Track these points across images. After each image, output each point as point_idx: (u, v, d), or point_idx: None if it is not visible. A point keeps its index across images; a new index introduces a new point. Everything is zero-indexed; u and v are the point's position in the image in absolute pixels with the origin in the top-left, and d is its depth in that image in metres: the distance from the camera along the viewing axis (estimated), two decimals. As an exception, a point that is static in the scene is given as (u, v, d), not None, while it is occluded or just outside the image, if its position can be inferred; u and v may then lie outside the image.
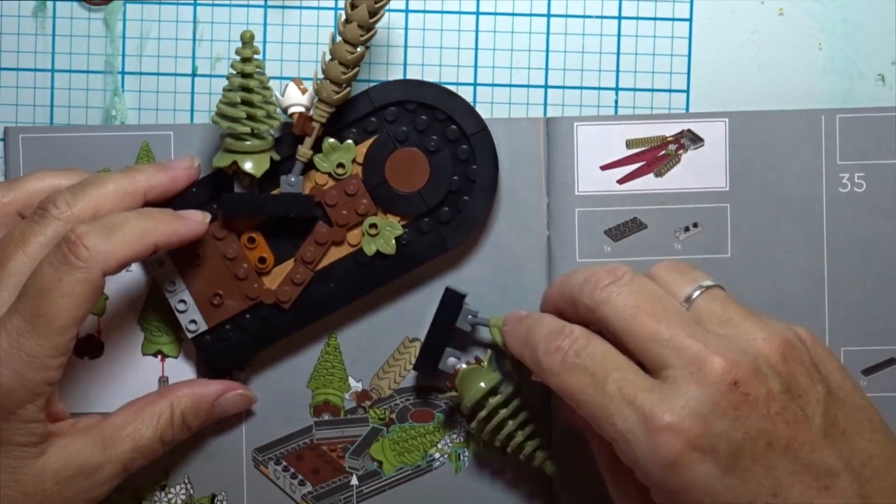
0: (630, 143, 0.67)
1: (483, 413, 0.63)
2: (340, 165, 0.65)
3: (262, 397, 0.67)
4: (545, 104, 0.68)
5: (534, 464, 0.64)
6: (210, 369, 0.67)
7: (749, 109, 0.67)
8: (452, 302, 0.65)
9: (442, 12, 0.68)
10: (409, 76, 0.68)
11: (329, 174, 0.65)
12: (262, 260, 0.65)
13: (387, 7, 0.63)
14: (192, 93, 0.69)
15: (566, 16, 0.68)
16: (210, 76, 0.69)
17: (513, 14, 0.68)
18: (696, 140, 0.67)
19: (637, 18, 0.68)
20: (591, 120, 0.67)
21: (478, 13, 0.68)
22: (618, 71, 0.68)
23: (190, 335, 0.66)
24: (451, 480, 0.68)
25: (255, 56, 0.62)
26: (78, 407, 0.66)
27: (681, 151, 0.67)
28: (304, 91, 0.64)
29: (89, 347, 0.67)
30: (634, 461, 0.54)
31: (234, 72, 0.62)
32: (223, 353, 0.66)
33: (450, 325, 0.65)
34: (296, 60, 0.68)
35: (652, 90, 0.68)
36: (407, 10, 0.68)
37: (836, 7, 0.68)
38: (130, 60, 0.69)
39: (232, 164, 0.63)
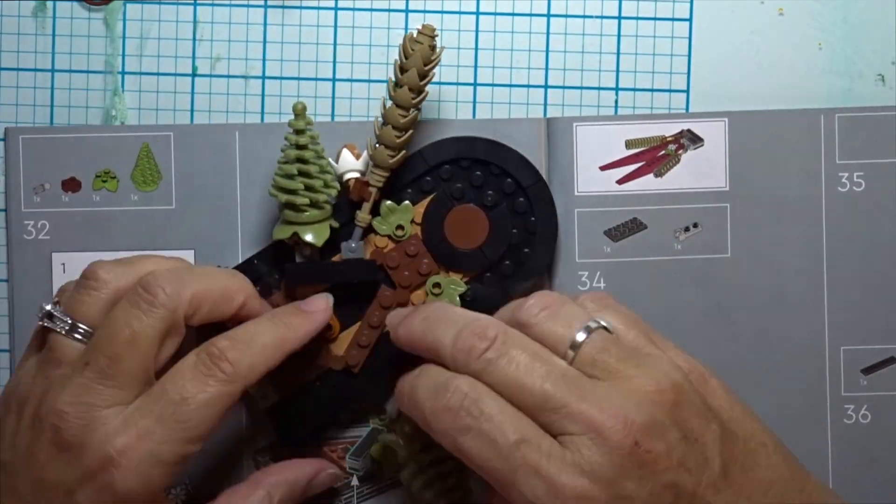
0: (630, 144, 0.67)
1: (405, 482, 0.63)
2: (399, 227, 0.65)
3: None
4: (545, 104, 0.68)
5: None
6: (285, 440, 0.67)
7: (749, 109, 0.67)
8: None
9: (442, 12, 0.68)
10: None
11: (388, 236, 0.65)
12: (329, 327, 0.64)
13: (439, 59, 0.63)
14: (192, 93, 0.69)
15: (566, 16, 0.68)
16: (210, 76, 0.69)
17: (513, 14, 0.68)
18: (695, 140, 0.67)
19: (637, 18, 0.68)
20: (590, 120, 0.67)
21: (478, 13, 0.68)
22: (618, 71, 0.68)
23: (262, 406, 0.66)
24: (451, 481, 0.68)
25: (308, 126, 0.62)
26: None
27: (680, 151, 0.67)
28: (357, 156, 0.64)
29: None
30: None
31: (289, 143, 0.62)
32: (296, 423, 0.66)
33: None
34: (296, 60, 0.68)
35: (652, 90, 0.68)
36: (407, 10, 0.68)
37: (836, 7, 0.68)
38: (130, 60, 0.69)
39: (293, 235, 0.63)
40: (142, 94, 0.69)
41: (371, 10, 0.68)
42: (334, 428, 0.68)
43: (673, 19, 0.68)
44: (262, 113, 0.68)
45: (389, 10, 0.68)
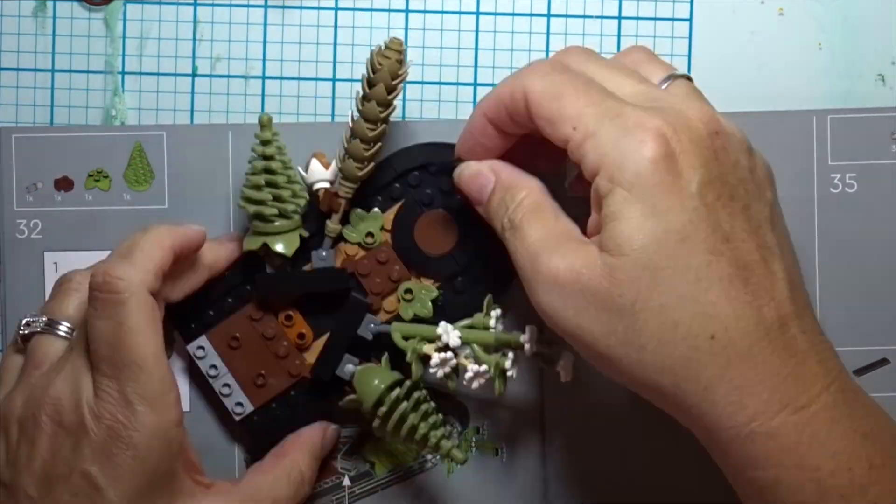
0: None
1: (384, 408, 0.61)
2: (369, 234, 0.65)
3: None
4: (545, 104, 0.68)
5: (440, 453, 0.63)
6: (260, 451, 0.66)
7: (748, 110, 0.67)
8: (355, 309, 0.64)
9: (442, 12, 0.68)
10: (409, 77, 0.68)
11: (359, 244, 0.65)
12: (301, 336, 0.65)
13: (404, 81, 0.63)
14: (192, 93, 0.69)
15: (566, 16, 0.68)
16: (210, 76, 0.69)
17: (513, 14, 0.68)
18: None
19: (637, 18, 0.68)
20: None
21: (478, 13, 0.68)
22: (618, 71, 0.68)
23: (237, 417, 0.66)
24: (444, 482, 0.68)
25: (275, 137, 0.62)
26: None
27: None
28: (326, 165, 0.64)
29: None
30: (609, 158, 0.53)
31: (256, 155, 0.62)
32: (272, 432, 0.66)
33: (351, 333, 0.64)
34: (296, 60, 0.68)
35: (652, 90, 0.68)
36: (407, 10, 0.68)
37: (836, 7, 0.68)
38: (130, 60, 0.69)
39: (262, 246, 0.63)
40: (142, 94, 0.69)
41: (371, 10, 0.68)
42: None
43: (673, 19, 0.68)
44: (262, 113, 0.68)
45: (389, 10, 0.68)
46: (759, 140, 0.65)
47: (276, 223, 0.63)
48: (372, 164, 0.63)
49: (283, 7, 0.68)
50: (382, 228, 0.65)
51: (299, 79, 0.68)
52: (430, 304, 0.65)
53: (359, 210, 0.65)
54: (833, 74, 0.68)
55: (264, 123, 0.62)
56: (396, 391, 0.62)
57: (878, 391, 0.66)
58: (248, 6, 0.68)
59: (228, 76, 0.69)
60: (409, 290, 0.65)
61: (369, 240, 0.65)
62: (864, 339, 0.67)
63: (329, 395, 0.65)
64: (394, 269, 0.65)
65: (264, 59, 0.68)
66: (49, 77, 0.69)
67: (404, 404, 0.62)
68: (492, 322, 0.63)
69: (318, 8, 0.68)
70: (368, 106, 0.62)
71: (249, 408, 0.66)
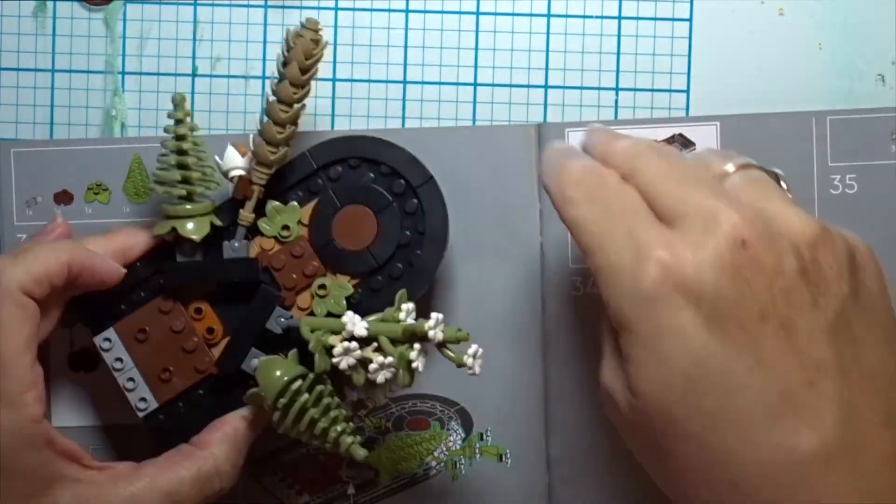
0: None
1: (284, 400, 0.59)
2: (285, 228, 0.64)
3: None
4: (545, 104, 0.68)
5: (341, 450, 0.61)
6: (165, 450, 0.63)
7: (748, 111, 0.67)
8: (265, 302, 0.63)
9: (442, 12, 0.68)
10: (409, 76, 0.68)
11: (275, 238, 0.64)
12: (211, 330, 0.63)
13: (319, 62, 0.61)
14: (193, 93, 0.69)
15: (566, 16, 0.68)
16: (210, 76, 0.69)
17: (513, 14, 0.68)
18: (687, 144, 0.67)
19: (637, 18, 0.68)
20: (582, 126, 0.67)
21: (478, 13, 0.68)
22: (618, 71, 0.68)
23: (140, 414, 0.64)
24: (448, 488, 0.68)
25: (188, 117, 0.61)
26: (72, 421, 0.67)
27: None
28: (244, 153, 0.63)
29: (84, 361, 0.67)
30: (613, 291, 0.50)
31: (168, 135, 0.62)
32: (176, 431, 0.63)
33: (259, 326, 0.63)
34: (296, 60, 0.68)
35: (652, 90, 0.68)
36: (407, 10, 0.68)
37: (836, 7, 0.68)
38: (130, 60, 0.69)
39: (172, 231, 0.62)
40: (142, 94, 0.69)
41: (371, 10, 0.68)
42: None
43: (673, 19, 0.68)
44: (263, 113, 0.68)
45: (389, 10, 0.68)
46: (759, 142, 0.66)
47: (187, 206, 0.62)
48: (286, 149, 0.62)
49: (283, 7, 0.68)
50: (300, 222, 0.64)
51: (299, 79, 0.69)
52: (344, 301, 0.63)
53: (276, 203, 0.64)
54: (833, 74, 0.68)
55: (177, 103, 0.61)
56: (298, 383, 0.60)
57: None
58: (248, 6, 0.68)
59: (228, 76, 0.69)
60: (323, 286, 0.63)
61: (285, 233, 0.64)
62: None
63: (237, 393, 0.63)
64: (309, 264, 0.63)
65: (264, 59, 0.68)
66: (49, 77, 0.69)
67: (305, 397, 0.60)
68: (402, 315, 0.60)
69: (318, 8, 0.68)
70: (282, 87, 0.61)
71: (154, 404, 0.64)
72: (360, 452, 0.60)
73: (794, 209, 0.51)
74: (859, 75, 0.68)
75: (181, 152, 0.61)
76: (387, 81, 0.68)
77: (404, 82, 0.68)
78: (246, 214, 0.63)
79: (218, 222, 0.63)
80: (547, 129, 0.67)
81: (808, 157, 0.67)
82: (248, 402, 0.62)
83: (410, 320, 0.60)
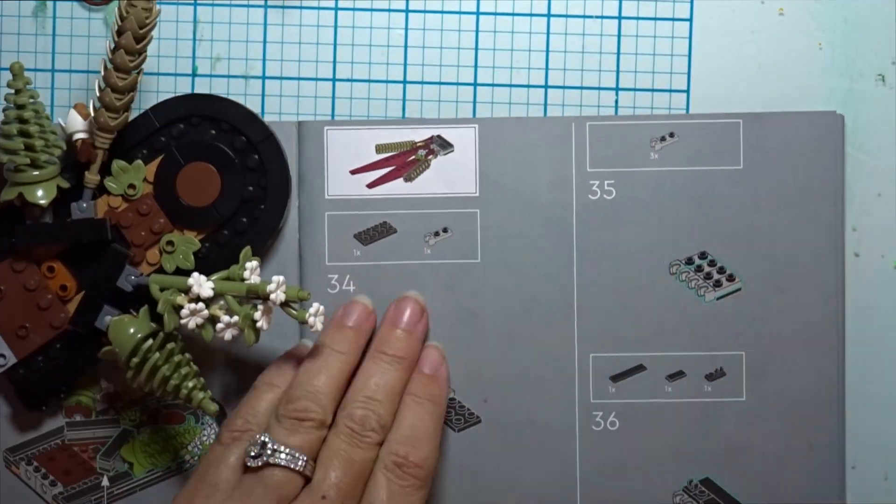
0: (379, 148, 0.67)
1: (136, 359, 0.61)
2: (131, 186, 0.65)
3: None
4: (545, 104, 0.68)
5: (192, 405, 0.63)
6: (24, 403, 0.67)
7: (748, 110, 0.67)
8: (114, 260, 0.64)
9: (442, 12, 0.68)
10: (410, 76, 0.68)
11: (122, 196, 0.65)
12: (64, 288, 0.65)
13: (154, 26, 0.63)
14: (193, 93, 0.69)
15: (566, 16, 0.68)
16: (210, 76, 0.69)
17: (513, 14, 0.68)
18: (445, 146, 0.67)
19: (637, 18, 0.68)
20: (340, 124, 0.67)
21: (478, 13, 0.68)
22: (618, 71, 0.68)
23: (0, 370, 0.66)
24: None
25: (27, 86, 0.63)
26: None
27: (430, 157, 0.67)
28: (86, 116, 0.64)
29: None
30: None
31: (9, 104, 0.63)
32: (36, 385, 0.66)
33: (110, 284, 0.64)
34: (296, 60, 0.68)
35: (652, 90, 0.68)
36: (407, 10, 0.68)
37: (836, 7, 0.68)
38: (130, 60, 0.69)
39: (19, 196, 0.63)
40: (142, 94, 0.69)
41: (371, 10, 0.68)
42: (82, 427, 0.68)
43: (673, 19, 0.68)
44: (263, 113, 0.68)
45: (389, 10, 0.68)
46: (517, 145, 0.67)
47: (33, 172, 0.63)
48: (126, 115, 0.64)
49: (283, 7, 0.68)
50: (145, 180, 0.65)
51: (299, 79, 0.68)
52: (192, 256, 0.65)
53: (121, 162, 0.65)
54: (833, 74, 0.68)
55: (15, 72, 0.62)
56: (149, 342, 0.62)
57: (634, 397, 0.67)
58: (248, 6, 0.68)
59: (228, 76, 0.69)
60: (170, 242, 0.65)
61: (131, 191, 0.65)
62: (621, 345, 0.67)
63: (92, 347, 0.65)
64: (156, 221, 0.65)
65: (264, 59, 0.68)
66: (49, 77, 0.69)
67: (156, 355, 0.62)
68: (247, 273, 0.62)
69: (318, 8, 0.68)
70: (118, 55, 0.62)
71: (13, 360, 0.66)
72: (212, 406, 0.63)
73: None
74: (859, 75, 0.68)
75: (22, 121, 0.62)
76: (387, 81, 0.68)
77: (404, 82, 0.68)
78: (91, 177, 0.65)
79: (65, 184, 0.64)
80: (306, 127, 0.67)
81: (567, 162, 0.67)
82: (103, 359, 0.63)
83: (255, 278, 0.62)
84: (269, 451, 0.59)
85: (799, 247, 0.67)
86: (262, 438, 0.60)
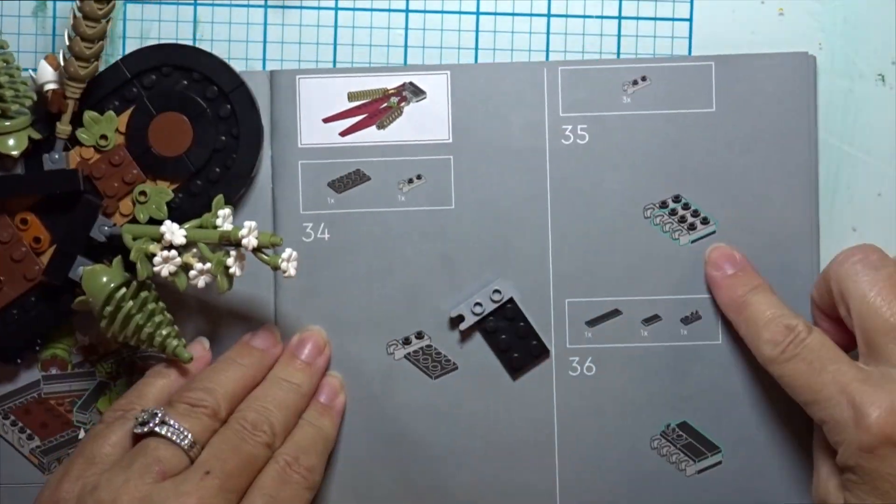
0: (352, 96, 0.67)
1: (110, 308, 0.62)
2: (103, 137, 0.65)
3: None
4: (543, 101, 0.69)
5: (167, 352, 0.64)
6: (2, 357, 0.67)
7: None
8: (87, 211, 0.65)
9: (442, 12, 0.68)
10: (410, 75, 0.68)
11: (94, 147, 0.66)
12: (38, 240, 0.65)
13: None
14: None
15: (566, 16, 0.68)
16: (210, 74, 0.69)
17: (513, 14, 0.68)
18: (418, 93, 0.67)
19: (637, 18, 0.68)
20: (312, 73, 0.67)
21: (478, 13, 0.68)
22: (617, 69, 0.68)
23: None
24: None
25: None
26: None
27: (403, 104, 0.67)
28: (56, 67, 0.64)
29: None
30: (838, 444, 0.58)
31: None
32: (11, 338, 0.66)
33: (83, 235, 0.65)
34: (296, 60, 0.68)
35: (650, 87, 0.69)
36: (407, 10, 0.68)
37: (836, 7, 0.67)
38: (130, 60, 0.68)
39: None
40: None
41: (371, 10, 0.68)
42: (58, 380, 0.69)
43: (673, 19, 0.68)
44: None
45: (389, 10, 0.67)
46: (490, 91, 0.67)
47: (4, 123, 0.64)
48: (96, 63, 0.64)
49: (283, 7, 0.68)
50: (117, 131, 0.66)
51: (299, 77, 0.69)
52: (165, 206, 0.65)
53: (92, 113, 0.65)
54: (833, 74, 0.68)
55: None
56: (122, 290, 0.62)
57: (610, 342, 0.68)
58: (248, 6, 0.68)
59: (228, 75, 0.69)
60: (143, 193, 0.65)
61: (103, 142, 0.66)
62: (596, 290, 0.67)
63: (67, 299, 0.65)
64: (128, 172, 0.65)
65: (264, 59, 0.68)
66: (48, 76, 0.69)
67: (129, 304, 0.62)
68: (219, 221, 0.63)
69: (318, 8, 0.68)
70: (87, 3, 0.63)
71: None
72: (186, 355, 0.64)
73: None
74: (859, 75, 0.68)
75: None
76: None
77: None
78: (62, 127, 0.65)
79: (36, 135, 0.65)
80: (278, 76, 0.67)
81: (540, 107, 0.67)
82: (77, 309, 0.64)
83: (227, 225, 0.63)
84: (157, 421, 0.59)
85: (772, 188, 0.67)
86: (154, 410, 0.60)
